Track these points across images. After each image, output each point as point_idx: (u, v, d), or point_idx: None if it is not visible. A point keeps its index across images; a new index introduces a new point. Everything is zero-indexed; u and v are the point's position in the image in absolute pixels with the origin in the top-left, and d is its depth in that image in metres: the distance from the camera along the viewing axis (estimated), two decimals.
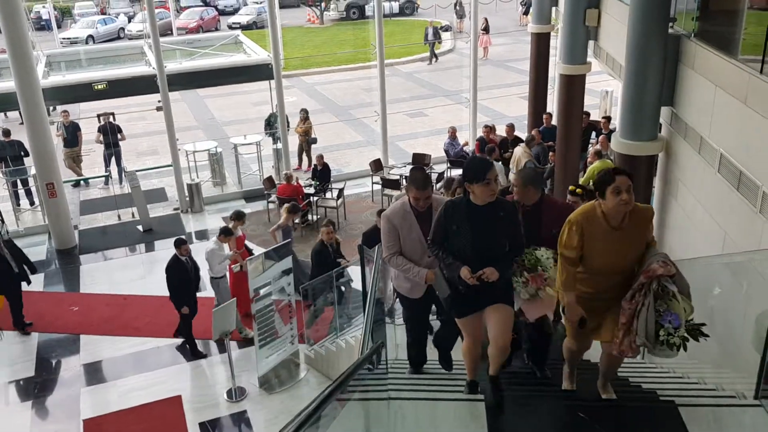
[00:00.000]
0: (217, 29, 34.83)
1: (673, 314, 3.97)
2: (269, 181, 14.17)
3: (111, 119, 15.82)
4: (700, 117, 7.06)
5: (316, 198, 13.62)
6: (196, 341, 9.59)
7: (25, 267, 10.19)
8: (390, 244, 4.96)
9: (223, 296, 9.56)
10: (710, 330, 4.14)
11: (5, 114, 20.86)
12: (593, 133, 14.02)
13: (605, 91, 17.08)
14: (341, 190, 13.79)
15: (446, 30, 32.56)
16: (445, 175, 13.86)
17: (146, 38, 16.08)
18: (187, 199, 14.33)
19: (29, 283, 10.35)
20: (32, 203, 14.53)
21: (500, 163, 12.76)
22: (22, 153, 13.97)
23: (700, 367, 5.46)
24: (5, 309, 9.97)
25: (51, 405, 8.88)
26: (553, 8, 14.64)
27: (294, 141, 16.42)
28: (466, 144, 15.68)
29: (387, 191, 13.85)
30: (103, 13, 39.37)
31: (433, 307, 5.50)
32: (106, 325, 10.42)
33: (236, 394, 8.62)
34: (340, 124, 19.97)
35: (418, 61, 28.00)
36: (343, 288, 9.77)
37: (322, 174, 14.08)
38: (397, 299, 5.85)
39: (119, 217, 14.15)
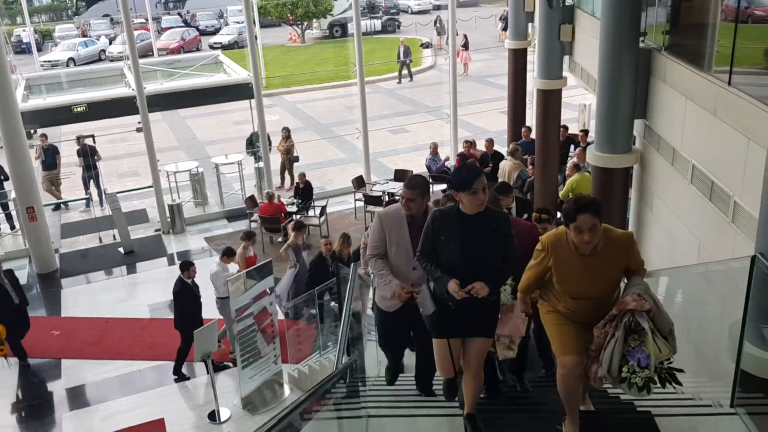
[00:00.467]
0: (198, 49, 34.94)
1: (643, 352, 3.72)
2: (251, 200, 14.16)
3: (90, 141, 15.76)
4: (672, 129, 7.17)
5: (298, 216, 13.61)
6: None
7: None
8: (375, 245, 4.75)
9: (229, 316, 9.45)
10: (687, 338, 4.11)
11: None
12: (572, 146, 14.17)
13: (583, 105, 17.26)
14: (324, 208, 13.80)
15: (427, 47, 32.85)
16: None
17: (126, 60, 16.09)
18: (169, 220, 14.28)
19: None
20: (12, 227, 14.41)
21: None
22: (2, 177, 13.89)
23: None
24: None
25: (33, 431, 8.75)
26: (530, 24, 14.83)
27: (276, 159, 16.44)
28: (447, 159, 15.79)
29: (369, 208, 13.87)
30: (84, 36, 39.41)
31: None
32: (88, 348, 10.31)
33: (219, 416, 8.56)
34: (322, 141, 20.03)
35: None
36: (333, 303, 9.71)
37: (304, 192, 14.11)
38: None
39: (100, 239, 14.07)
